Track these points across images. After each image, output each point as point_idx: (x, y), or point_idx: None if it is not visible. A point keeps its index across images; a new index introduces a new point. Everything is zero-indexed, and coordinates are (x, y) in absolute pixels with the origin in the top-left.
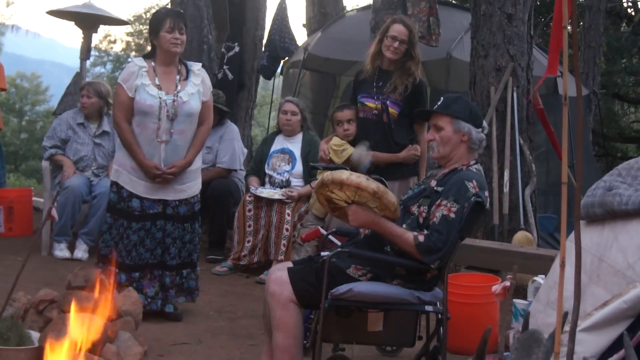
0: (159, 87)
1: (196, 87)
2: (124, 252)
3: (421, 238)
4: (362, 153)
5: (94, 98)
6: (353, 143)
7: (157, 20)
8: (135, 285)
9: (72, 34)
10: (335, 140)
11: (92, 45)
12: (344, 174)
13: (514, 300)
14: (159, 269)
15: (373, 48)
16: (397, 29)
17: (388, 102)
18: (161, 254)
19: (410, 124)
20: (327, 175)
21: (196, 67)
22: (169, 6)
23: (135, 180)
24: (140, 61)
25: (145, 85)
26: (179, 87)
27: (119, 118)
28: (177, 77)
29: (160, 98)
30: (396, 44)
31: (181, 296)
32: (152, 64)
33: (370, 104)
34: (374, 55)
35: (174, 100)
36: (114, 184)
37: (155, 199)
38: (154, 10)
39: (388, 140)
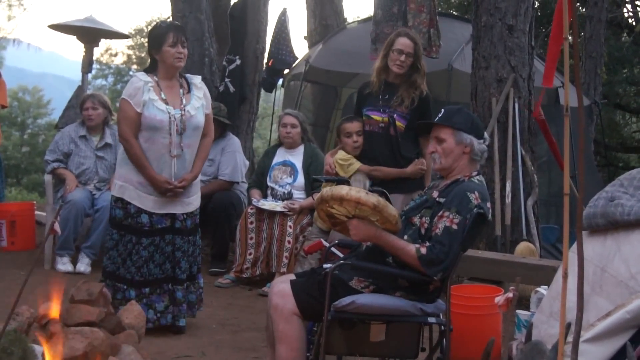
0: (166, 102)
1: (200, 101)
2: (133, 269)
3: (423, 250)
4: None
5: (100, 109)
6: (359, 156)
7: (158, 35)
8: (145, 301)
9: (73, 47)
10: (341, 154)
11: (94, 58)
12: (344, 190)
13: (517, 311)
14: (169, 283)
15: (378, 62)
16: (403, 42)
17: (395, 115)
18: (171, 268)
19: (417, 138)
20: (327, 191)
21: (197, 80)
22: (169, 19)
23: (144, 195)
24: (143, 76)
25: (153, 101)
26: (184, 101)
27: (126, 134)
28: (181, 90)
29: (169, 113)
30: (402, 58)
31: None
32: (155, 78)
33: (377, 117)
34: (380, 70)
35: (181, 115)
36: (119, 200)
37: (164, 213)
38: (154, 24)
39: (395, 154)
